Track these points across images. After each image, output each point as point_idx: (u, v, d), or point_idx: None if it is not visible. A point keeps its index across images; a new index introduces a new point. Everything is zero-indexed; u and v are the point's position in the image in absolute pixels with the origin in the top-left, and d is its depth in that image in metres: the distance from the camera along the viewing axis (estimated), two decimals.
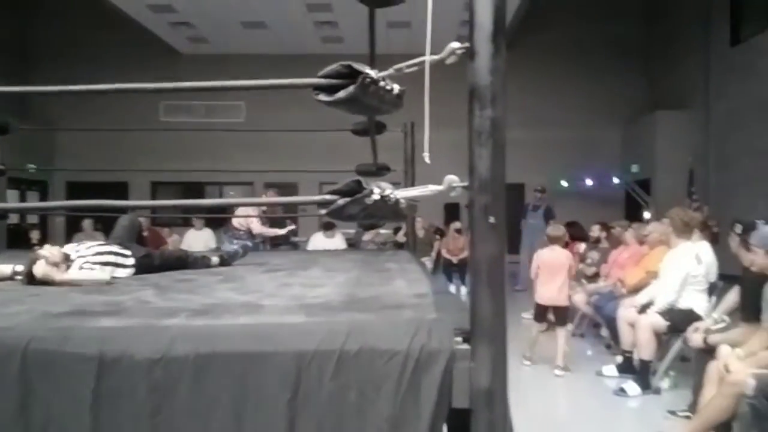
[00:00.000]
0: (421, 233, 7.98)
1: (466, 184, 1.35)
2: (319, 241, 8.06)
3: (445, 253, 8.39)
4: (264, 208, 6.54)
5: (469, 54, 1.31)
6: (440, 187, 1.44)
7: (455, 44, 1.40)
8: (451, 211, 11.57)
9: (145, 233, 6.95)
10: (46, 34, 12.72)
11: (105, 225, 8.56)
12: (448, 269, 8.21)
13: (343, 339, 1.28)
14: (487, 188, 1.29)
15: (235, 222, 6.48)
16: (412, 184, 4.64)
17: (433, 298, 1.85)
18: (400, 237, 8.68)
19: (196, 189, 12.31)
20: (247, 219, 6.33)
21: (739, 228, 3.93)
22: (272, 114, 11.45)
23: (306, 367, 1.25)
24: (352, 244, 8.49)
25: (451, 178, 1.40)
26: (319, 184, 10.36)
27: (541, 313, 5.10)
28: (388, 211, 1.53)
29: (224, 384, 1.24)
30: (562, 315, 5.05)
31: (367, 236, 8.59)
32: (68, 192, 12.05)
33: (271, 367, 1.25)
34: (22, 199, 11.02)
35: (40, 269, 2.22)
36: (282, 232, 6.89)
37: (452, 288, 7.78)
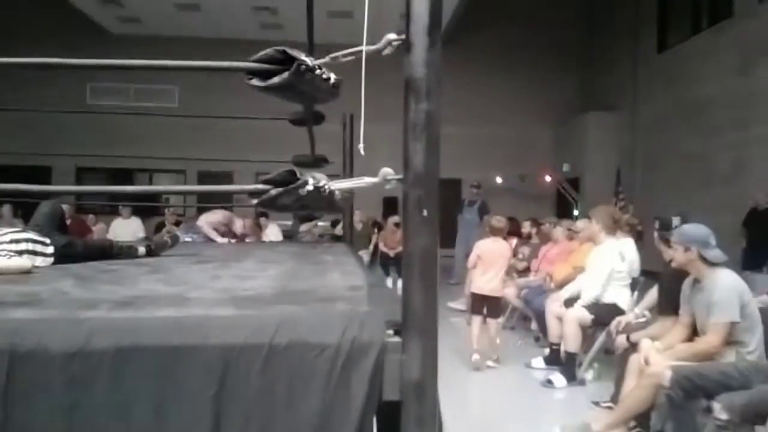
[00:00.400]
0: (359, 226, 8.00)
1: (400, 176, 1.35)
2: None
3: (382, 247, 8.44)
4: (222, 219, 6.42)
5: (406, 46, 1.30)
6: (375, 180, 1.43)
7: (392, 35, 1.40)
8: (390, 205, 11.63)
9: (68, 221, 6.60)
10: None
11: (26, 211, 8.08)
12: (385, 263, 8.26)
13: (272, 332, 1.26)
14: (421, 181, 1.29)
15: (201, 222, 6.30)
16: (351, 177, 4.63)
17: (366, 290, 1.84)
18: (338, 230, 8.67)
19: (124, 176, 11.82)
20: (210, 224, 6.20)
21: (657, 224, 4.15)
22: (207, 100, 11.13)
23: (233, 361, 1.22)
24: (289, 236, 8.40)
25: (386, 171, 1.39)
26: (256, 174, 10.12)
27: (477, 303, 5.15)
28: (323, 202, 1.51)
29: (146, 378, 1.19)
30: (495, 306, 5.16)
31: (304, 228, 8.52)
32: None
33: (196, 361, 1.20)
34: None
35: None
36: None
37: (389, 281, 7.84)
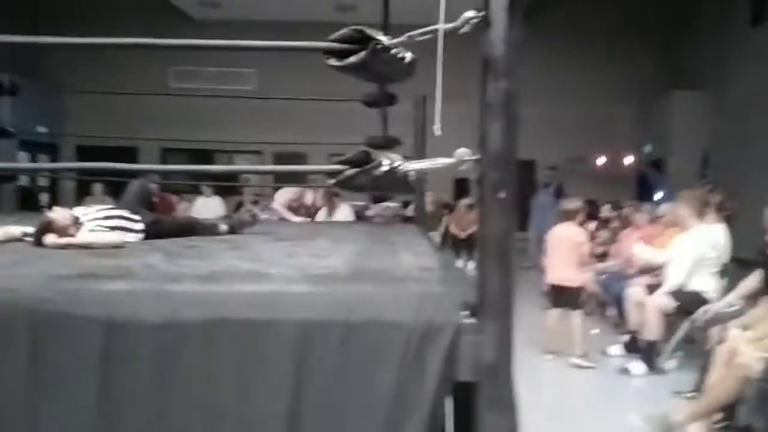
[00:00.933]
0: (430, 208, 7.97)
1: (477, 157, 1.34)
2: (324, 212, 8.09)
3: (452, 228, 8.39)
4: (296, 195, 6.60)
5: (484, 24, 1.28)
6: (450, 160, 1.42)
7: (470, 13, 1.37)
8: (461, 187, 11.52)
9: (155, 199, 6.98)
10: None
11: (115, 190, 8.60)
12: (456, 245, 8.22)
13: (347, 310, 1.28)
14: (498, 163, 1.27)
15: (276, 202, 6.50)
16: (423, 158, 4.61)
17: (439, 272, 1.84)
18: (409, 211, 8.68)
19: (204, 156, 12.29)
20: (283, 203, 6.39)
21: None
22: (283, 83, 11.35)
23: (311, 337, 1.26)
24: (360, 216, 8.50)
25: (462, 152, 1.38)
26: (328, 155, 10.33)
27: (552, 295, 4.93)
28: (397, 183, 1.52)
29: (230, 350, 1.25)
30: (573, 297, 4.85)
31: (374, 210, 8.59)
32: (78, 156, 12.07)
33: (276, 336, 1.25)
34: (33, 161, 11.05)
35: (49, 231, 2.24)
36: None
37: (459, 263, 7.79)
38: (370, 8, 11.14)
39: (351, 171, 1.49)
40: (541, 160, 11.68)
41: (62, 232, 2.25)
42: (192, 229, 3.05)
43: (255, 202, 8.17)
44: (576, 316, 4.83)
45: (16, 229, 2.43)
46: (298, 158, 11.74)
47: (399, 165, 1.47)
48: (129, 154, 11.72)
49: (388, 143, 3.78)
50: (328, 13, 11.90)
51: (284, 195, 6.52)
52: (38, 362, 1.27)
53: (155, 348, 1.26)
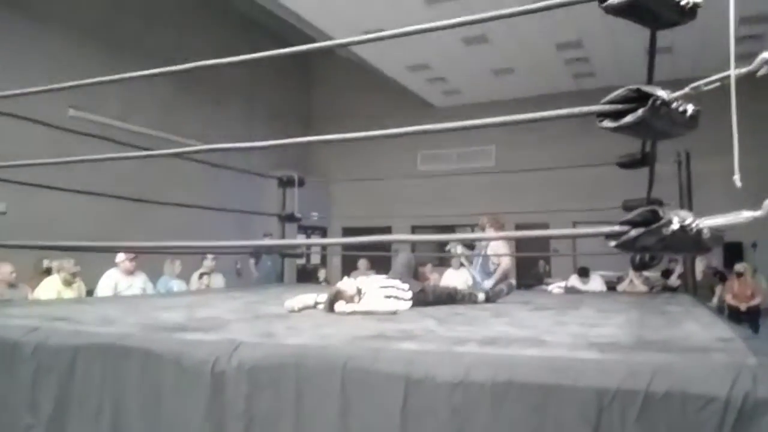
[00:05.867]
0: (698, 276, 7.09)
1: None
2: (575, 282, 7.76)
3: (729, 299, 7.31)
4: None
5: None
6: (757, 213, 1.27)
7: (767, 54, 1.26)
8: (732, 251, 10.06)
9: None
10: (324, 101, 14.81)
11: (376, 264, 9.45)
12: (736, 317, 7.11)
13: (647, 379, 1.20)
14: None
15: (490, 249, 6.37)
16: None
17: (742, 342, 1.62)
18: (673, 280, 7.84)
19: (448, 231, 12.84)
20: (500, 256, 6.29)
21: None
22: (521, 156, 11.52)
23: (608, 405, 1.19)
24: (612, 288, 7.94)
25: None
26: (573, 223, 9.99)
27: None
28: (689, 242, 1.40)
29: (521, 413, 1.25)
30: None
31: (622, 286, 7.97)
32: (343, 236, 13.62)
33: (571, 402, 1.21)
34: None
35: (339, 299, 2.54)
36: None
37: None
38: (606, 73, 10.88)
39: (635, 231, 1.43)
40: None
41: (349, 300, 2.54)
42: (453, 297, 3.19)
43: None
44: None
45: (309, 298, 2.80)
46: (540, 228, 11.53)
47: (691, 222, 1.37)
48: (384, 232, 12.83)
49: (651, 205, 3.52)
50: (565, 84, 11.84)
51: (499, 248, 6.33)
52: (347, 413, 1.42)
53: (449, 406, 1.32)
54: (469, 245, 6.14)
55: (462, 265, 7.59)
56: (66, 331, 1.89)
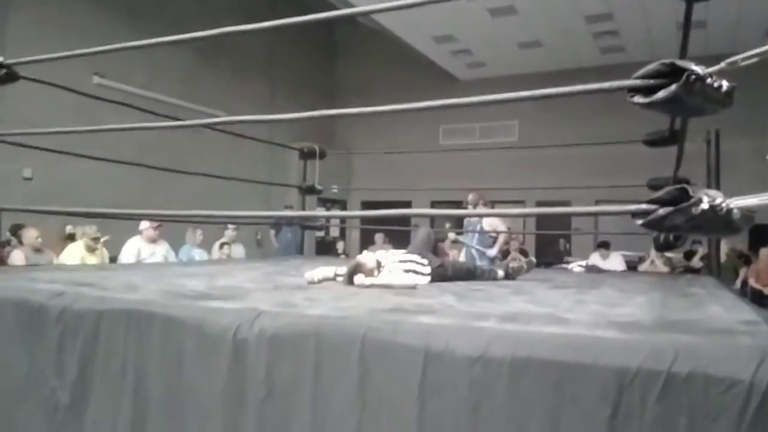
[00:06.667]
0: (722, 258, 6.98)
1: None
2: (596, 261, 7.71)
3: (753, 283, 7.20)
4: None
5: None
6: None
7: None
8: (760, 234, 9.86)
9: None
10: (348, 73, 14.69)
11: (393, 239, 9.47)
12: (759, 301, 7.00)
13: (670, 359, 1.18)
14: None
15: (486, 225, 6.29)
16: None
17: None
18: (695, 262, 7.75)
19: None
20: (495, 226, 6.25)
21: None
22: (544, 132, 11.35)
23: (628, 385, 1.18)
24: (632, 268, 7.86)
25: None
26: (595, 201, 9.87)
27: None
28: (719, 222, 1.37)
29: (540, 390, 1.25)
30: None
31: (643, 266, 7.88)
32: (363, 209, 13.61)
33: (590, 380, 1.21)
34: None
35: (358, 272, 2.54)
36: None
37: None
38: (636, 48, 10.59)
39: (663, 210, 1.40)
40: None
41: (368, 273, 2.54)
42: (472, 273, 3.18)
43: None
44: None
45: (329, 270, 2.81)
46: (563, 205, 11.42)
47: (721, 202, 1.33)
48: (404, 207, 12.79)
49: (678, 184, 3.44)
50: (593, 58, 11.58)
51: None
52: (366, 384, 1.43)
53: (467, 380, 1.32)
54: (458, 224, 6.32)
55: (455, 242, 7.62)
56: (91, 296, 1.93)
